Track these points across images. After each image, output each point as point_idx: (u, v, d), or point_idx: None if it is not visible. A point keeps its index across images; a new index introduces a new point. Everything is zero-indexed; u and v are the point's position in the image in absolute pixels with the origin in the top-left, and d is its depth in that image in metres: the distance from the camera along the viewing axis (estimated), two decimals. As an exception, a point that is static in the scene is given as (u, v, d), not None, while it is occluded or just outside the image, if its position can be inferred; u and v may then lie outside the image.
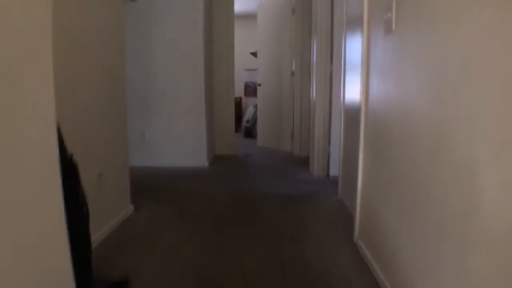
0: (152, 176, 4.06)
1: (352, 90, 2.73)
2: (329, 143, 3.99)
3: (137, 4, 4.21)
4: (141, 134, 4.40)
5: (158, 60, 4.36)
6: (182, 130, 4.43)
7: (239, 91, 7.81)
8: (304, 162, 4.71)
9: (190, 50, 4.34)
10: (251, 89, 8.65)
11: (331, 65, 3.83)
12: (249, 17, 7.33)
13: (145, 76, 4.34)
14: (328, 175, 4.03)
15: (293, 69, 5.09)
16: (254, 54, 8.79)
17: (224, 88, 5.10)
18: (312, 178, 4.03)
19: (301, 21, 4.93)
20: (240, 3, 5.71)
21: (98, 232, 2.11)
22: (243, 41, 7.09)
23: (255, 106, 7.08)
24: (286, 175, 4.20)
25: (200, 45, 4.33)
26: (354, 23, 2.62)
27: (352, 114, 2.71)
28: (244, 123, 6.86)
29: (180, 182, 3.86)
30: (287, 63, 5.23)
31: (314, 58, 4.00)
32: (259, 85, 5.76)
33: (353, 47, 2.70)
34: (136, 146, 4.39)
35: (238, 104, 7.63)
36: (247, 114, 6.97)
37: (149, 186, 3.60)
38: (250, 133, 6.87)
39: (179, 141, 4.43)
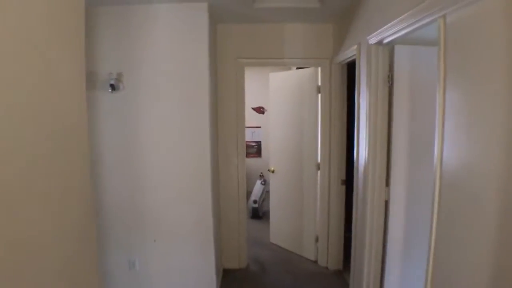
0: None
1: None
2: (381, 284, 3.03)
3: (119, 95, 3.19)
4: (130, 262, 3.35)
5: (149, 169, 3.31)
6: (184, 256, 3.37)
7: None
8: (336, 282, 3.76)
9: (193, 152, 3.31)
10: (253, 149, 7.70)
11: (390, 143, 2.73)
12: (252, 67, 6.43)
13: (134, 189, 3.30)
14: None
15: (319, 161, 4.15)
16: (257, 109, 7.89)
17: (234, 194, 4.13)
18: (358, 331, 3.06)
19: (330, 105, 4.01)
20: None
21: None
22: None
23: (263, 181, 6.11)
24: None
25: (207, 155, 3.29)
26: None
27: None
28: (251, 203, 5.84)
29: None
30: (310, 151, 4.28)
31: (362, 139, 3.00)
32: (272, 171, 4.79)
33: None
34: (123, 278, 3.36)
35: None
36: (254, 193, 5.95)
37: None
38: (257, 213, 5.86)
39: (180, 271, 3.38)
